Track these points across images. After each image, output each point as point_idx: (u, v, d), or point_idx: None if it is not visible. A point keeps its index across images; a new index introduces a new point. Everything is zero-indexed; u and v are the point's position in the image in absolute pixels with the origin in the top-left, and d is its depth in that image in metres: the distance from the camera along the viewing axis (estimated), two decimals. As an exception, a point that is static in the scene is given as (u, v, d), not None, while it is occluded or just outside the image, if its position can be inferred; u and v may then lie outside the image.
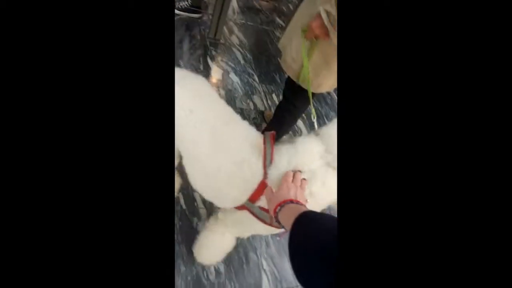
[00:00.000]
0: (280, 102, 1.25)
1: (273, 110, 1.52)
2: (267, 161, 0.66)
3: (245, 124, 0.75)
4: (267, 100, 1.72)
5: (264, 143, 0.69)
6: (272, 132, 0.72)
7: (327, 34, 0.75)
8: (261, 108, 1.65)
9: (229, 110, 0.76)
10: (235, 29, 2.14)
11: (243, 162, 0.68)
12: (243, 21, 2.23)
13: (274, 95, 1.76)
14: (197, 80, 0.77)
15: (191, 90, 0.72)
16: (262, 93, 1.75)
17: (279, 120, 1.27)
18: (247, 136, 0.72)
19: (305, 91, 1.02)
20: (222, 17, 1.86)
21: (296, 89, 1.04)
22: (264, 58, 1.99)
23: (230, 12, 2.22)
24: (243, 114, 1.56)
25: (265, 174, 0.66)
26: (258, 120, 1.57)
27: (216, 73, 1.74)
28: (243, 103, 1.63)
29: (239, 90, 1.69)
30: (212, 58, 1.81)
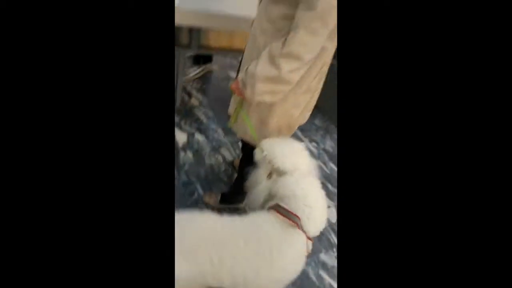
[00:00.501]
0: (242, 157, 1.30)
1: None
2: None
3: (256, 222, 0.79)
4: (234, 150, 1.78)
5: (282, 214, 0.76)
6: (276, 204, 0.79)
7: (244, 95, 0.85)
8: (230, 158, 1.70)
9: (237, 223, 0.79)
10: (194, 93, 2.31)
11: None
12: (199, 85, 2.42)
13: (240, 143, 1.82)
14: (193, 219, 0.77)
15: (191, 235, 0.73)
16: (229, 144, 1.82)
17: (244, 174, 1.31)
18: (271, 237, 0.76)
19: None
20: (178, 85, 2.03)
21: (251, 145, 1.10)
22: (225, 110, 2.12)
23: (187, 79, 2.43)
24: (213, 169, 1.59)
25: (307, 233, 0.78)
26: (229, 171, 1.61)
27: (181, 138, 1.82)
28: (212, 158, 1.68)
29: (206, 147, 1.76)
30: (176, 125, 1.92)
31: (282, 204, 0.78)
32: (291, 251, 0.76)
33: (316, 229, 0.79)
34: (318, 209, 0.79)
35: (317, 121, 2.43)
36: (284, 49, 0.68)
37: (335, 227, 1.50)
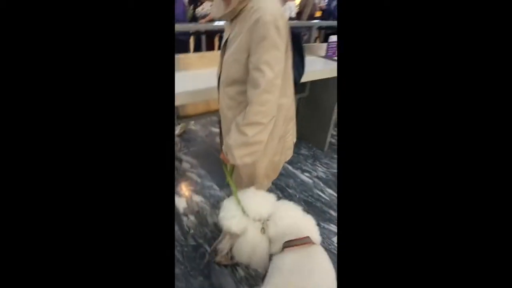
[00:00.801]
0: None
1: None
2: None
3: (289, 269, 0.84)
4: (232, 201, 1.85)
5: (297, 245, 0.85)
6: (285, 242, 0.87)
7: (228, 162, 1.00)
8: (230, 211, 1.76)
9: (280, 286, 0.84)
10: (183, 157, 2.44)
11: None
12: (187, 148, 2.58)
13: (236, 193, 1.90)
14: None
15: None
16: (226, 197, 1.89)
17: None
18: (309, 270, 0.82)
19: None
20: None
21: None
22: (215, 164, 2.24)
23: (173, 146, 2.58)
24: (217, 227, 1.64)
25: None
26: (233, 224, 1.65)
27: (181, 204, 1.89)
28: (214, 216, 1.73)
29: (206, 207, 1.82)
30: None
31: (287, 238, 0.87)
32: (322, 264, 0.84)
33: (318, 233, 0.91)
34: (307, 218, 0.93)
35: (303, 151, 2.57)
36: (245, 120, 0.88)
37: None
